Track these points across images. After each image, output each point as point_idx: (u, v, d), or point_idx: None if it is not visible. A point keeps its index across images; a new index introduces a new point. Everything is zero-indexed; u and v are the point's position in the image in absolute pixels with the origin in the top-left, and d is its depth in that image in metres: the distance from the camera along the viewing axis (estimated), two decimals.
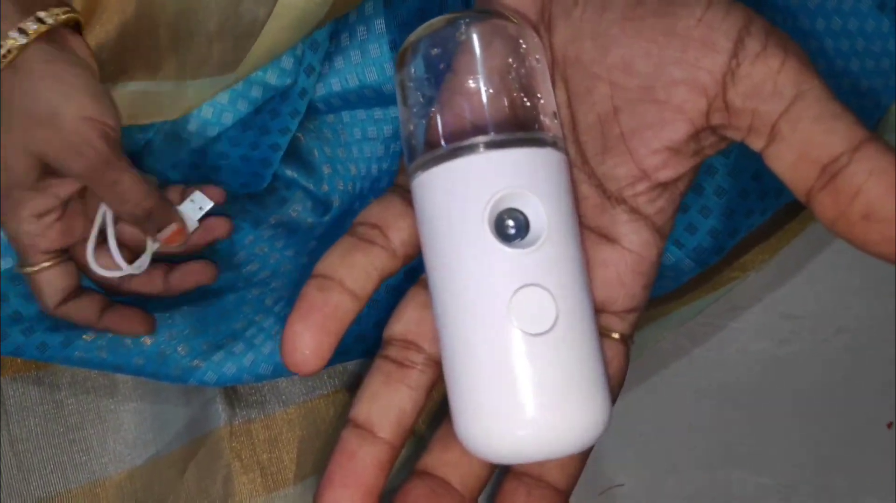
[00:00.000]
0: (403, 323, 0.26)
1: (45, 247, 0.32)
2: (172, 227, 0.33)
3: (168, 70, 0.35)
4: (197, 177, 0.39)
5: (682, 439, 0.39)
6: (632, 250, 0.24)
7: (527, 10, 0.25)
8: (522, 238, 0.22)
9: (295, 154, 0.41)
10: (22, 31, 0.28)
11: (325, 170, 0.41)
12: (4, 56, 0.27)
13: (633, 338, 0.25)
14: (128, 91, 0.35)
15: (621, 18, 0.23)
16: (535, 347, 0.22)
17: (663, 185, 0.23)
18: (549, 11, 0.25)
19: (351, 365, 0.38)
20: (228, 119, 0.39)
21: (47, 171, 0.30)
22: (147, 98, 0.35)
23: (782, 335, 0.41)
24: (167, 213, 0.33)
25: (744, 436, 0.40)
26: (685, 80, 0.22)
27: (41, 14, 0.28)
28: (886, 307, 0.42)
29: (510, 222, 0.22)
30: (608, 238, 0.24)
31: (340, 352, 0.36)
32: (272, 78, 0.37)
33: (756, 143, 0.22)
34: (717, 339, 0.41)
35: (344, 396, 0.38)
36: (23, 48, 0.28)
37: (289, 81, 0.37)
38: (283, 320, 0.37)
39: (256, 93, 0.37)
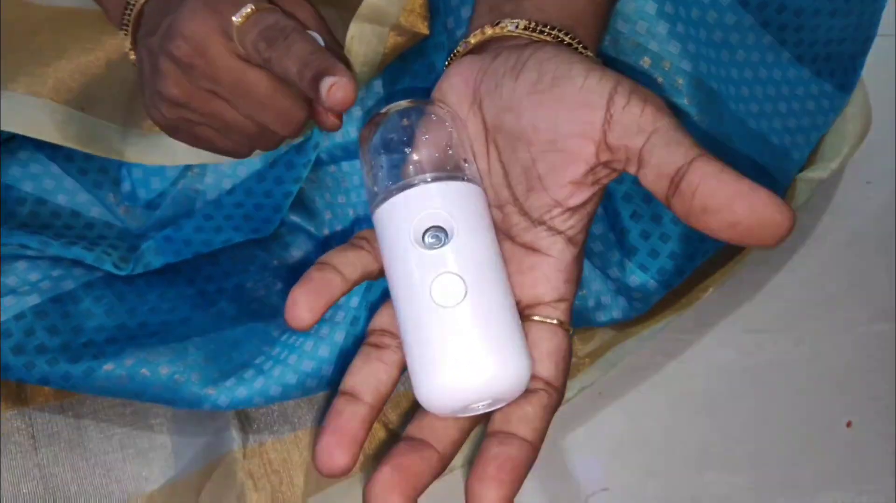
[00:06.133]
0: (381, 319, 0.32)
1: None
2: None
3: None
4: (209, 226, 0.43)
5: (660, 446, 0.42)
6: (551, 255, 0.31)
7: (465, 94, 0.33)
8: (443, 245, 0.29)
9: (297, 201, 0.45)
10: None
11: (327, 215, 0.45)
12: None
13: (570, 324, 0.31)
14: None
15: (528, 93, 0.30)
16: (449, 316, 0.28)
17: (572, 209, 0.30)
18: (479, 95, 0.32)
19: None
20: (243, 172, 0.43)
21: None
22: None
23: (747, 348, 0.44)
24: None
25: (716, 440, 0.42)
26: (577, 133, 0.29)
27: None
28: (839, 318, 0.45)
29: (436, 234, 0.30)
30: (534, 250, 0.31)
31: None
32: None
33: (632, 170, 0.28)
34: (688, 353, 0.44)
35: None
36: None
37: (301, 137, 0.41)
38: (288, 347, 0.39)
39: None
